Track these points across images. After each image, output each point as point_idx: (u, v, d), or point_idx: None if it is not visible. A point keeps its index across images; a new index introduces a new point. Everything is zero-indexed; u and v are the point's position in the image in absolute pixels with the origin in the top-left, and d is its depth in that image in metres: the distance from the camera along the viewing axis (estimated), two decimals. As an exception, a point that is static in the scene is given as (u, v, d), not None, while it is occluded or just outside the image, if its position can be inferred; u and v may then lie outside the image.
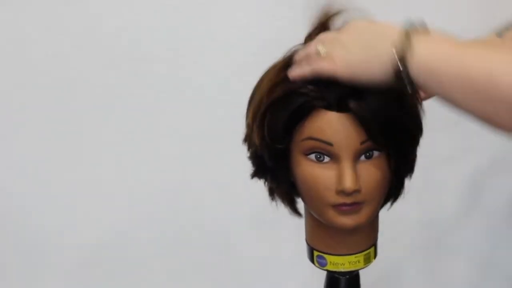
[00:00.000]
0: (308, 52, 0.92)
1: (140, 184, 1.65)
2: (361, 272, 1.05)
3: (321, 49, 0.90)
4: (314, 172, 0.93)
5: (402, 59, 0.83)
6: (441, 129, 1.57)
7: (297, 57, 0.94)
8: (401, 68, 0.82)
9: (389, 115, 0.90)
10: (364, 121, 0.90)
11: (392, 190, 0.99)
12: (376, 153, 0.93)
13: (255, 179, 1.03)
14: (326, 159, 0.93)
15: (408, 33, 0.84)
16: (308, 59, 0.91)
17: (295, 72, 0.92)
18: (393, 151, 0.93)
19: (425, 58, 0.82)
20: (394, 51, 0.83)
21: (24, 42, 1.54)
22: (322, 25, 0.96)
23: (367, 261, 1.02)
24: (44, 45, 1.55)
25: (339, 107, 0.90)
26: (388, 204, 1.02)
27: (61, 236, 1.67)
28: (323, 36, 0.92)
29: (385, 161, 0.94)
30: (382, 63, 0.84)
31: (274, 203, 1.04)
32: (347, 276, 1.04)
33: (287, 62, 0.95)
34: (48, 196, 1.64)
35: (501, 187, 1.70)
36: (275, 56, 0.99)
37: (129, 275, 1.71)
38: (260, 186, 1.05)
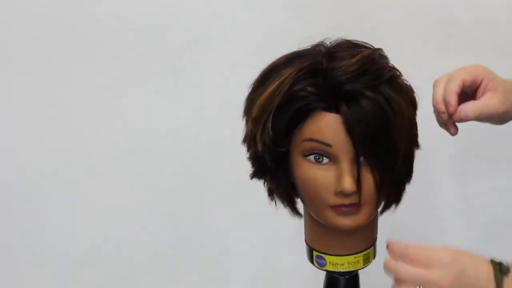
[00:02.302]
0: None
1: (140, 185, 1.65)
2: (360, 272, 1.06)
3: None
4: (313, 173, 0.93)
5: None
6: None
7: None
8: None
9: (377, 123, 0.90)
10: (349, 126, 0.90)
11: (391, 194, 0.99)
12: None
13: (255, 180, 1.03)
14: (325, 160, 0.93)
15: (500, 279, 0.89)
16: None
17: None
18: (377, 158, 0.93)
19: None
20: None
21: (23, 40, 1.54)
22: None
23: (367, 261, 1.02)
24: (43, 44, 1.55)
25: (338, 109, 0.91)
26: (393, 207, 1.02)
27: (61, 237, 1.67)
28: (418, 277, 0.89)
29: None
30: None
31: (273, 203, 1.04)
32: (347, 276, 1.04)
33: (282, 64, 0.95)
34: (47, 197, 1.64)
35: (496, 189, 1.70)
36: (275, 56, 1.00)
37: (129, 276, 1.72)
38: (260, 186, 1.05)
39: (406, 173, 0.99)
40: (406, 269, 0.89)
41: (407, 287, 0.90)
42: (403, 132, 0.94)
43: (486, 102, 0.99)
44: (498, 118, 1.02)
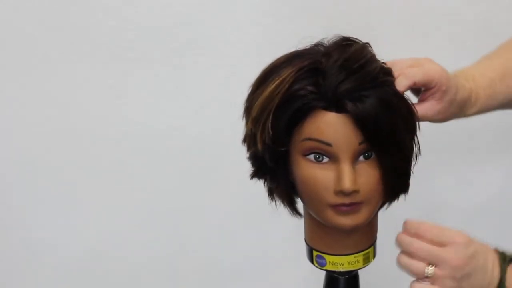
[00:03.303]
0: (414, 269, 0.94)
1: (140, 184, 1.65)
2: (360, 272, 1.06)
3: (430, 272, 0.93)
4: (313, 173, 0.93)
5: None
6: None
7: (400, 262, 0.95)
8: None
9: (385, 117, 0.91)
10: (359, 122, 0.90)
11: (391, 191, 0.99)
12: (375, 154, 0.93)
13: (255, 179, 1.03)
14: (325, 159, 0.93)
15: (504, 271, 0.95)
16: (411, 270, 0.95)
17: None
18: (388, 153, 0.93)
19: None
20: None
21: (23, 40, 1.55)
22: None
23: (367, 261, 1.02)
24: (43, 43, 1.55)
25: (338, 108, 0.91)
26: (386, 204, 1.02)
27: (60, 237, 1.67)
28: (430, 254, 0.93)
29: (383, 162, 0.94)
30: None
31: (273, 203, 1.05)
32: (346, 276, 1.04)
33: (282, 64, 0.95)
34: (47, 197, 1.64)
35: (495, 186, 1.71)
36: (275, 56, 1.00)
37: (128, 276, 1.72)
38: (259, 186, 1.05)
39: (406, 171, 0.99)
40: (419, 244, 0.93)
41: (418, 262, 0.94)
42: (406, 128, 0.94)
43: (425, 110, 1.01)
44: (438, 120, 1.05)
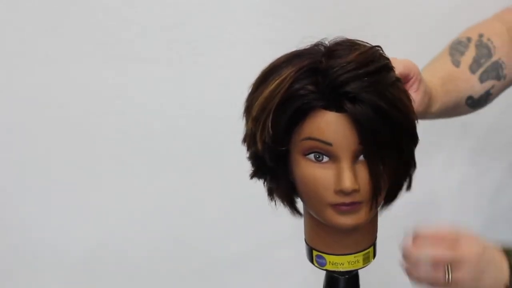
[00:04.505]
0: (435, 277, 0.94)
1: (140, 184, 1.65)
2: (360, 272, 1.06)
3: (451, 277, 0.94)
4: (313, 172, 0.93)
5: None
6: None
7: (419, 273, 0.96)
8: None
9: (382, 121, 0.90)
10: (357, 123, 0.90)
11: (389, 192, 0.99)
12: None
13: (255, 179, 1.03)
14: (325, 159, 0.93)
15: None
16: (433, 281, 0.95)
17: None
18: (384, 156, 0.93)
19: None
20: None
21: (22, 40, 1.55)
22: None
23: (367, 260, 1.02)
24: (43, 43, 1.55)
25: (338, 107, 0.91)
26: (385, 206, 1.02)
27: (60, 237, 1.67)
28: (447, 258, 0.94)
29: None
30: None
31: (273, 203, 1.05)
32: (346, 276, 1.04)
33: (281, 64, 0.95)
34: (47, 197, 1.64)
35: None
36: (275, 56, 1.00)
37: (128, 276, 1.72)
38: (259, 186, 1.05)
39: (406, 171, 0.99)
40: (436, 252, 0.94)
41: (436, 270, 0.94)
42: (405, 127, 0.94)
43: None
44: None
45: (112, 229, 1.68)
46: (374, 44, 0.98)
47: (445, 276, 0.94)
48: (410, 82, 1.06)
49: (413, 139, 0.97)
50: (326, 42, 0.98)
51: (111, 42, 1.56)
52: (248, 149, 1.00)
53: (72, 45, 1.55)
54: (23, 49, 1.55)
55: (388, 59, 0.97)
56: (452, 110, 1.23)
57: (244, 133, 1.00)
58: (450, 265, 0.94)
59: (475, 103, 1.25)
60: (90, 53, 1.56)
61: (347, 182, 0.91)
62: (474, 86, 1.24)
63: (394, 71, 0.97)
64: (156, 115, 1.61)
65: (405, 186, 1.01)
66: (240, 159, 1.04)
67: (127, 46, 1.56)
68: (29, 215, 1.65)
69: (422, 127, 1.02)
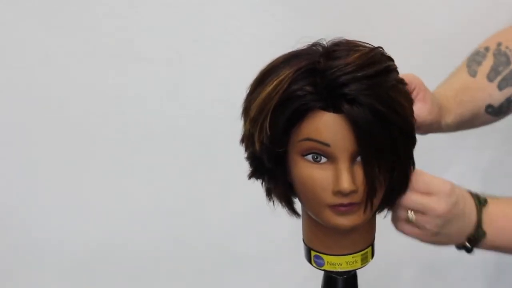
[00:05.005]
0: (398, 215, 1.02)
1: (139, 184, 1.65)
2: (358, 272, 1.06)
3: (411, 217, 1.00)
4: (311, 173, 0.93)
5: (476, 242, 1.03)
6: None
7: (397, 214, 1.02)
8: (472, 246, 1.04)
9: (382, 121, 0.90)
10: (353, 124, 0.90)
11: (388, 193, 0.99)
12: None
13: (253, 180, 1.03)
14: (323, 159, 0.93)
15: (480, 211, 1.02)
16: (396, 219, 1.03)
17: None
18: (380, 158, 0.93)
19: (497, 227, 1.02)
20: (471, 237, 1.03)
21: (22, 40, 1.55)
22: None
23: (365, 261, 1.02)
24: (43, 43, 1.55)
25: (336, 108, 0.91)
26: (385, 207, 1.02)
27: (61, 237, 1.67)
28: (417, 203, 1.00)
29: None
30: (461, 241, 1.04)
31: (271, 203, 1.04)
32: (345, 276, 1.04)
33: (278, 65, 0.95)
34: (47, 197, 1.64)
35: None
36: (274, 56, 0.99)
37: (128, 276, 1.72)
38: (258, 186, 1.05)
39: (404, 171, 0.99)
40: (407, 194, 0.99)
41: (402, 210, 1.00)
42: (404, 129, 0.94)
43: (417, 112, 1.02)
44: (424, 128, 1.10)
45: (112, 229, 1.68)
46: (375, 44, 0.98)
47: (408, 215, 0.99)
48: (414, 93, 1.07)
49: (411, 141, 0.97)
50: (324, 43, 0.97)
51: (111, 42, 1.56)
52: (246, 150, 1.00)
53: (72, 45, 1.56)
54: (23, 49, 1.55)
55: (391, 59, 0.97)
56: (471, 121, 1.23)
57: (242, 133, 1.00)
58: (420, 210, 0.99)
59: (496, 111, 1.25)
60: (90, 53, 1.56)
61: (345, 183, 0.91)
62: (493, 94, 1.24)
63: (396, 72, 0.97)
64: (156, 115, 1.61)
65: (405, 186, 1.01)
66: (240, 159, 1.04)
67: (127, 46, 1.56)
68: (29, 215, 1.65)
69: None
